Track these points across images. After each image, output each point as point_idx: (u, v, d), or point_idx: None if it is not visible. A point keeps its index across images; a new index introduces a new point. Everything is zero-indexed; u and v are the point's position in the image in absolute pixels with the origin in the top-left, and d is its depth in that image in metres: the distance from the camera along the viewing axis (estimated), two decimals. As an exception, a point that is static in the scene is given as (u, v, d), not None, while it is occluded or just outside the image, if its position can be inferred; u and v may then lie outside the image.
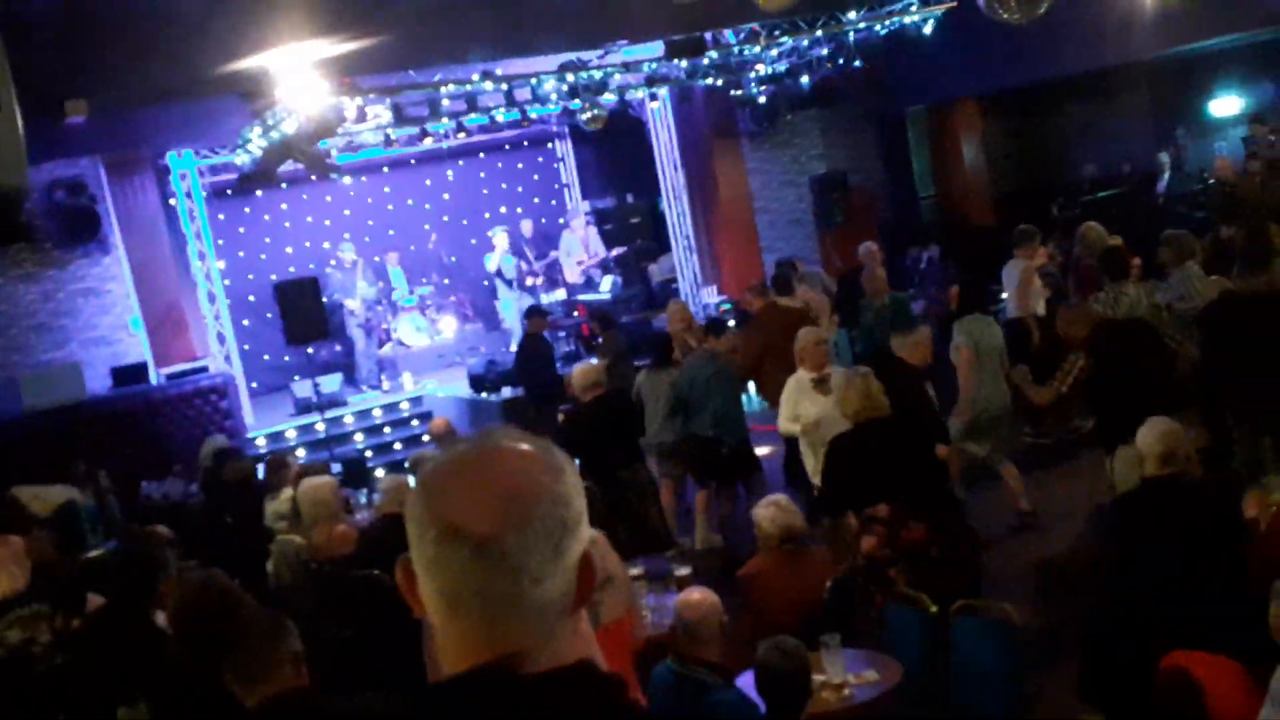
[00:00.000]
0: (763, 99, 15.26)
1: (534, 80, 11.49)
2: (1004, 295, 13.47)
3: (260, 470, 10.07)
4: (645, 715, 1.44)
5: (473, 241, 17.31)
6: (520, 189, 17.90)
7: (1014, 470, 8.52)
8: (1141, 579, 5.22)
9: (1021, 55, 14.78)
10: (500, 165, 17.79)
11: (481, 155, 17.34)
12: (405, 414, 14.43)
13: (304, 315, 12.45)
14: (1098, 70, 15.08)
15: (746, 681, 4.60)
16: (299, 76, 8.68)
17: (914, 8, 12.75)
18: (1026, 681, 5.14)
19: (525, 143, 17.66)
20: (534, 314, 12.23)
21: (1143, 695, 4.42)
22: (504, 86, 11.45)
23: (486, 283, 16.99)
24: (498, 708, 1.37)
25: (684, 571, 6.44)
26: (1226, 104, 17.03)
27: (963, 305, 9.45)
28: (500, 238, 16.02)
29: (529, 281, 16.16)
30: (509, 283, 16.11)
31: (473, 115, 12.34)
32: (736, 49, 12.67)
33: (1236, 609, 4.18)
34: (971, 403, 8.39)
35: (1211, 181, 13.96)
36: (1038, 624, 6.36)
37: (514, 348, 14.90)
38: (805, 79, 14.70)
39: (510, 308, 16.02)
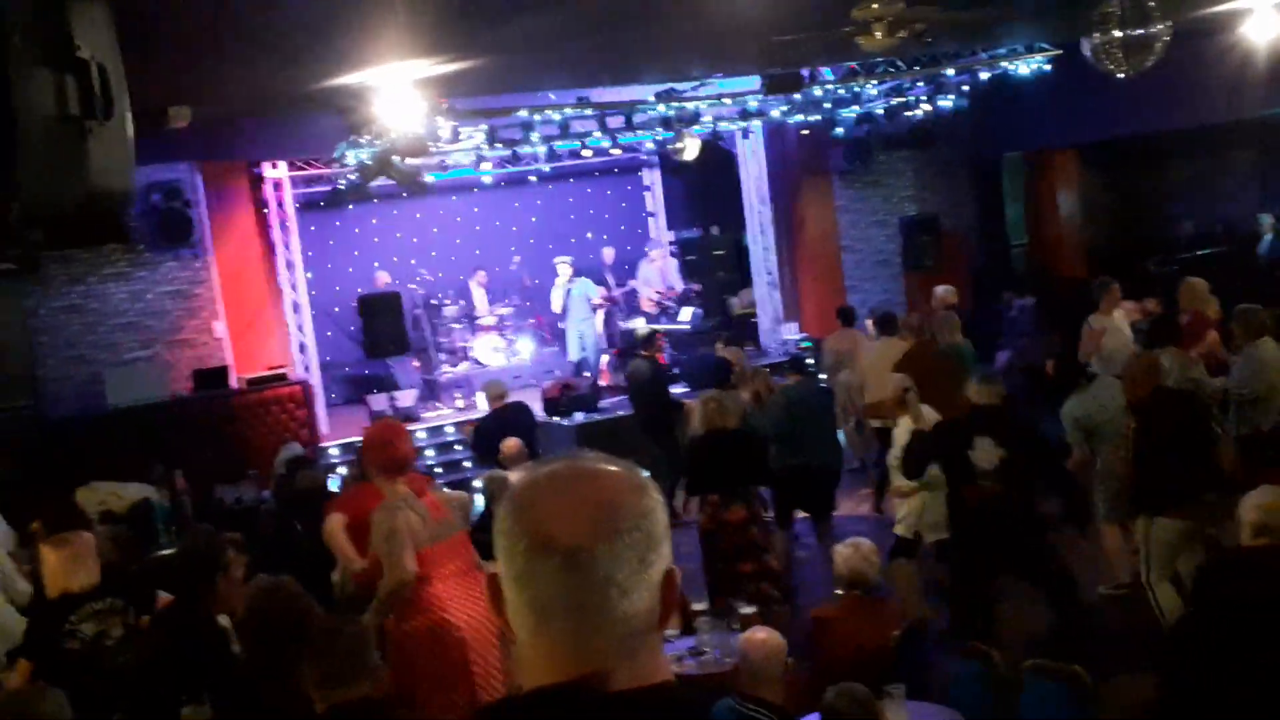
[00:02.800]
0: (856, 137, 15.15)
1: (628, 108, 11.51)
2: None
3: (335, 482, 10.19)
4: None
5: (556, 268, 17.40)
6: (606, 216, 17.96)
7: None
8: (1225, 647, 5.03)
9: (1125, 107, 14.49)
10: (588, 191, 17.86)
11: (570, 180, 17.41)
12: (478, 433, 14.45)
13: (385, 329, 12.57)
14: (1203, 126, 14.75)
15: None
16: (397, 95, 8.76)
17: (1019, 53, 12.56)
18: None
19: (614, 170, 17.71)
20: (651, 339, 12.29)
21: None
22: (596, 112, 11.48)
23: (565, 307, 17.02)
24: None
25: (748, 610, 6.34)
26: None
27: (1060, 380, 8.86)
28: (564, 268, 16.00)
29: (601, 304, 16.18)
30: (591, 307, 16.11)
31: (564, 141, 12.38)
32: (834, 87, 12.57)
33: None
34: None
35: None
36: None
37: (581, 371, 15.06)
38: (903, 118, 14.55)
39: (587, 331, 15.94)
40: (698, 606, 6.47)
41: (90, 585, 5.33)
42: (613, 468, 1.48)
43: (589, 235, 17.57)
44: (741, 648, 4.81)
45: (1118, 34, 7.76)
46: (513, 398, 15.28)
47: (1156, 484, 6.91)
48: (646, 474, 1.50)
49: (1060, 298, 15.85)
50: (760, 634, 4.81)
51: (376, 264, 15.95)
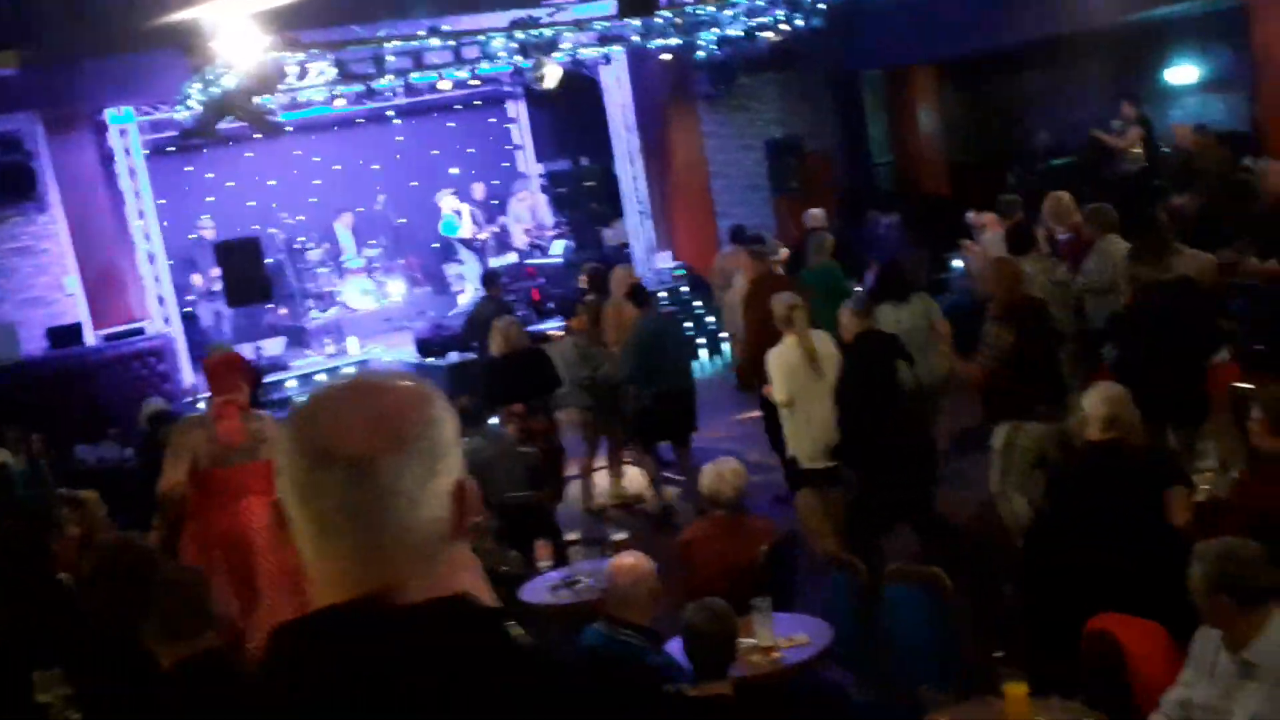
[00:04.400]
0: (719, 60, 15.06)
1: (482, 37, 11.26)
2: (957, 264, 13.46)
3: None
4: (524, 649, 1.40)
5: (423, 204, 17.08)
6: (472, 150, 17.62)
7: None
8: (1074, 541, 5.18)
9: (978, 22, 14.69)
10: (451, 126, 17.49)
11: (433, 115, 17.03)
12: (351, 378, 14.21)
13: (246, 277, 12.21)
14: (1054, 37, 15.00)
15: (679, 647, 4.53)
16: (237, 29, 8.44)
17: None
18: (955, 643, 5.08)
19: (477, 103, 17.37)
20: (493, 279, 12.08)
21: (1069, 658, 4.38)
22: (451, 43, 11.20)
23: (436, 245, 16.78)
24: (368, 640, 1.31)
25: (620, 536, 6.35)
26: (1183, 72, 17.01)
27: (882, 290, 8.85)
28: (447, 200, 15.84)
29: (480, 237, 16.01)
30: (467, 244, 15.90)
31: (419, 74, 12.06)
32: (691, 9, 12.45)
33: (1165, 574, 4.13)
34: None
35: (1167, 150, 13.94)
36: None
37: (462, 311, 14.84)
38: (764, 40, 14.50)
39: (471, 270, 15.77)
40: (570, 537, 6.47)
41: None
42: (400, 381, 1.45)
43: (454, 171, 17.24)
44: (609, 572, 4.82)
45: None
46: (386, 340, 15.16)
47: (1015, 396, 7.03)
48: (431, 383, 1.47)
49: (925, 213, 16.11)
50: (628, 558, 4.81)
51: (203, 215, 15.36)
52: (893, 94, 17.91)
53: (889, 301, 8.37)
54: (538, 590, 6.09)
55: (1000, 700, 3.92)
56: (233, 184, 16.08)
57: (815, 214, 13.39)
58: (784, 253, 11.96)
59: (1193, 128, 13.13)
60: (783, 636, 4.98)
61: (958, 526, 7.14)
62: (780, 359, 7.36)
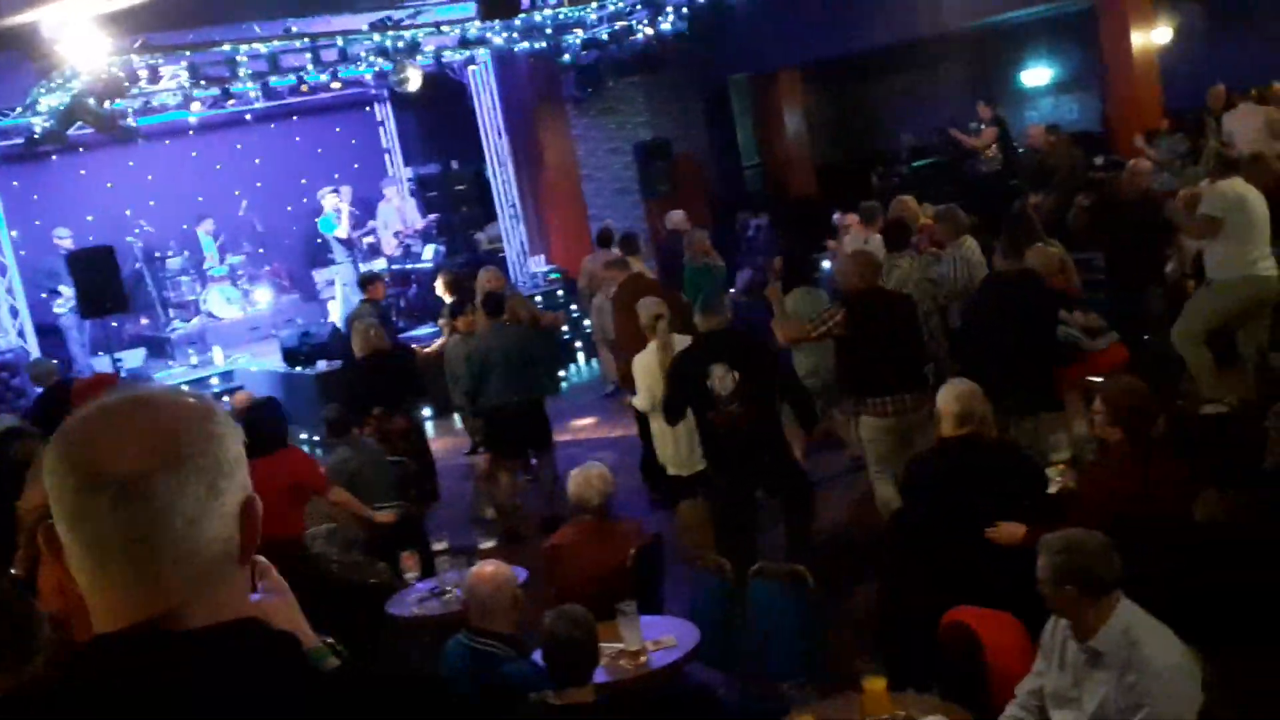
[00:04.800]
0: (587, 64, 15.06)
1: (340, 40, 11.06)
2: (826, 265, 13.67)
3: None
4: (327, 675, 1.36)
5: (288, 208, 16.71)
6: (339, 155, 17.27)
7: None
8: (931, 536, 5.28)
9: (840, 25, 14.98)
10: (317, 129, 17.10)
11: (295, 118, 16.63)
12: (214, 389, 13.83)
13: (101, 287, 11.79)
14: (913, 41, 15.36)
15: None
16: (81, 32, 8.14)
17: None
18: (818, 639, 5.14)
19: (343, 106, 17.03)
20: (372, 280, 11.83)
21: (927, 651, 4.45)
22: (304, 44, 10.98)
23: (318, 240, 16.44)
24: (145, 670, 1.23)
25: (488, 545, 6.29)
26: (1037, 74, 17.59)
27: (789, 278, 9.27)
28: (328, 199, 15.56)
29: (362, 238, 15.76)
30: (344, 243, 15.61)
31: (278, 78, 11.80)
32: (554, 12, 12.41)
33: (1018, 567, 4.22)
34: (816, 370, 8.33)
35: (1023, 150, 14.36)
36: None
37: (335, 319, 14.52)
38: (630, 44, 14.55)
39: (343, 273, 15.47)
40: (437, 547, 6.37)
41: None
42: (174, 396, 1.36)
43: (319, 177, 16.90)
44: (469, 582, 4.76)
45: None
46: (252, 349, 14.79)
47: (863, 381, 7.18)
48: (212, 399, 1.39)
49: (793, 215, 16.35)
50: (488, 567, 4.76)
51: (58, 227, 14.75)
52: (759, 98, 18.14)
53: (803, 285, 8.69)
54: (405, 603, 6.00)
55: (860, 695, 3.97)
56: (88, 193, 15.50)
57: (675, 216, 13.52)
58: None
59: (1045, 128, 13.56)
60: (650, 640, 4.97)
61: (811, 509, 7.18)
62: (643, 365, 7.38)
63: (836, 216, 12.42)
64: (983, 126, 14.18)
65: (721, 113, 17.97)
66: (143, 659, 1.24)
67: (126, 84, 9.58)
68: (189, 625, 1.27)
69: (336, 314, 14.78)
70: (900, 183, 14.77)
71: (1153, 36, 14.61)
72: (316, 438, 10.79)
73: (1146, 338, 8.77)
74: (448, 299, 10.37)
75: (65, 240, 14.25)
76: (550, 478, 8.42)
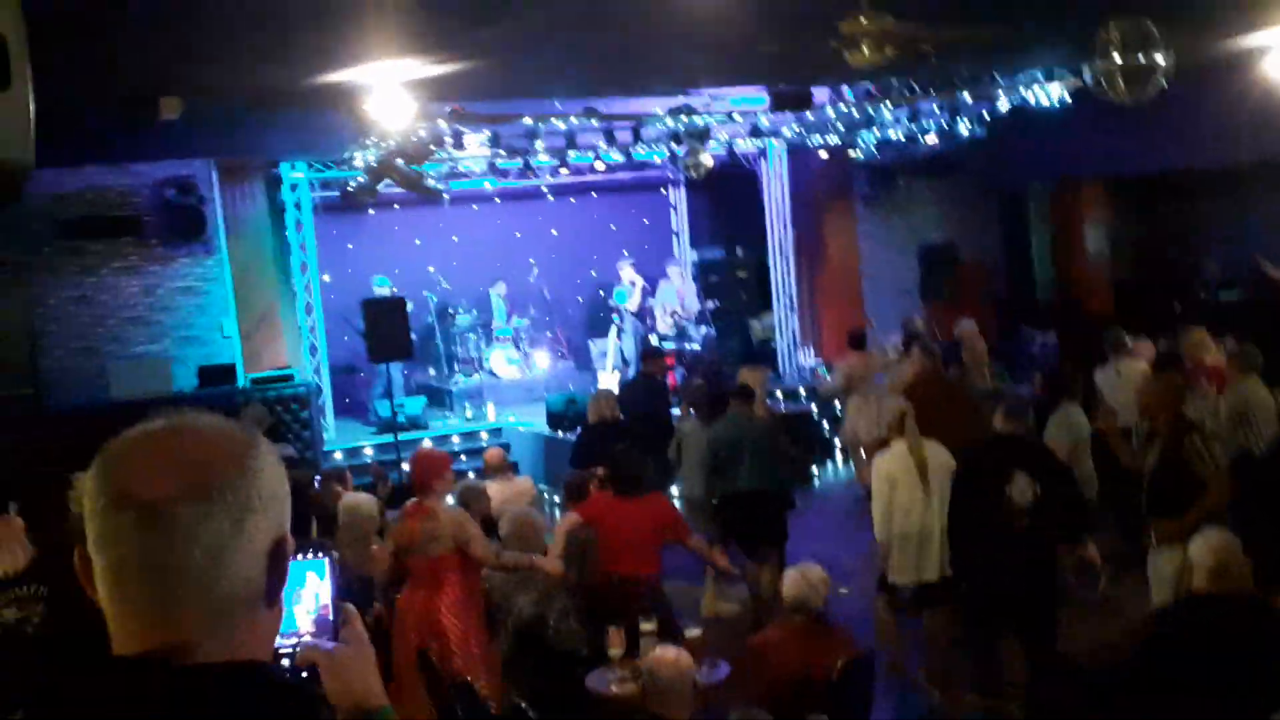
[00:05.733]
0: (879, 163, 14.98)
1: (636, 122, 11.43)
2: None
3: (316, 482, 10.13)
4: None
5: (576, 280, 17.38)
6: (630, 233, 17.83)
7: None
8: (1176, 702, 4.82)
9: (1151, 141, 14.22)
10: (612, 206, 17.76)
11: (591, 195, 17.33)
12: (483, 444, 14.38)
13: (389, 334, 12.50)
14: (1231, 165, 14.44)
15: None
16: (391, 95, 8.73)
17: (1038, 81, 12.35)
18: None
19: (639, 186, 17.60)
20: (653, 354, 12.15)
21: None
22: (603, 124, 11.41)
23: (595, 314, 17.01)
24: (143, 700, 1.23)
25: (694, 633, 6.18)
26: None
27: (1052, 396, 8.90)
28: (626, 270, 16.08)
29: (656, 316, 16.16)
30: (634, 315, 16.03)
31: (576, 153, 12.30)
32: (847, 109, 12.41)
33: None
34: None
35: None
36: None
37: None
38: (925, 145, 14.37)
39: (625, 346, 15.93)
40: (645, 627, 6.32)
41: (14, 570, 5.28)
42: (218, 426, 1.36)
43: (609, 251, 17.47)
44: (649, 666, 4.69)
45: (1118, 60, 7.55)
46: (523, 410, 15.32)
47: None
48: (264, 438, 1.38)
49: (1083, 334, 15.54)
50: (670, 653, 4.68)
51: (378, 274, 15.81)
52: (1059, 208, 17.47)
53: (1064, 403, 8.39)
54: (603, 679, 5.97)
55: None
56: (398, 246, 16.61)
57: (966, 324, 13.09)
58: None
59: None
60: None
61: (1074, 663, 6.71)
62: (883, 467, 7.14)
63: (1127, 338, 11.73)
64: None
65: (1016, 220, 17.39)
66: (144, 688, 1.24)
67: (432, 148, 10.20)
68: (200, 660, 1.26)
69: (605, 383, 15.18)
70: (1204, 313, 13.82)
71: None
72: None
73: None
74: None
75: (384, 289, 15.28)
76: (775, 573, 8.22)
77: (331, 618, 1.82)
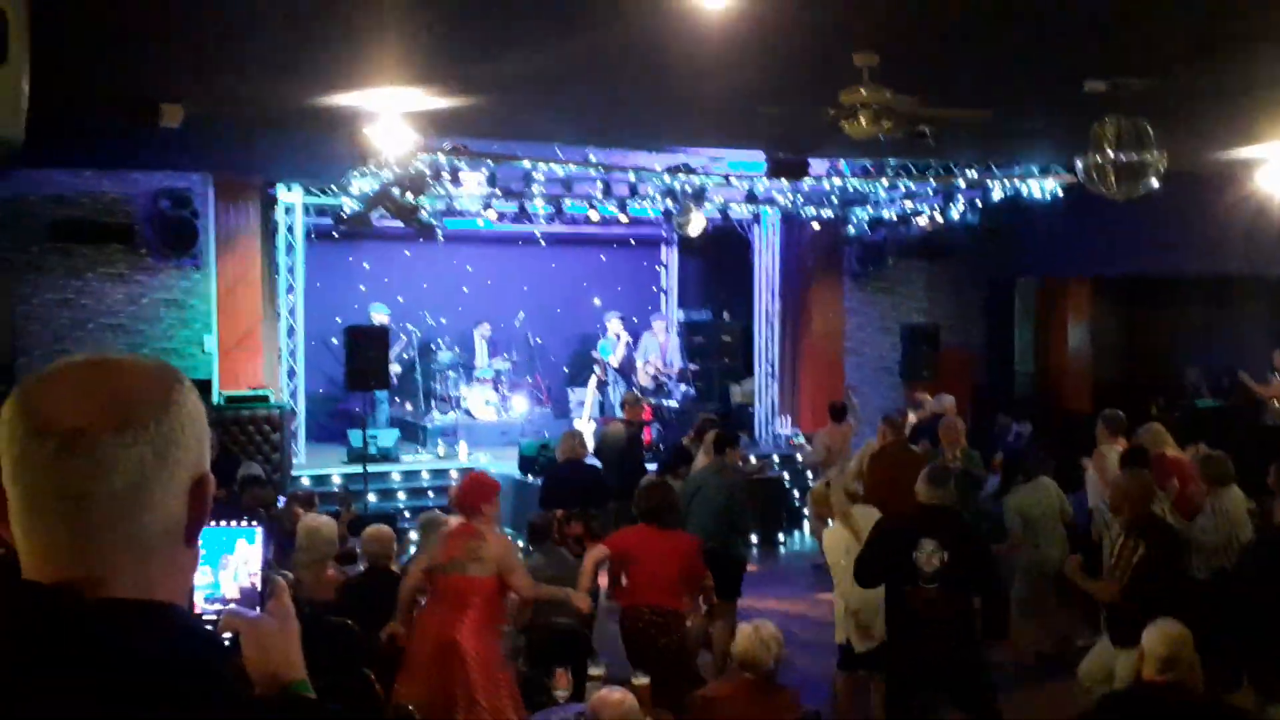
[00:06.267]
0: (871, 240, 15.13)
1: (632, 175, 11.53)
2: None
3: (280, 503, 10.08)
4: (216, 680, 1.27)
5: (560, 328, 17.45)
6: (618, 287, 17.92)
7: None
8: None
9: (1142, 244, 14.40)
10: (603, 259, 17.88)
11: (584, 246, 17.44)
12: (452, 482, 14.31)
13: (368, 363, 12.48)
14: (1219, 275, 14.62)
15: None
16: (391, 124, 8.81)
17: (1032, 174, 12.52)
18: None
19: (631, 242, 17.71)
20: (634, 402, 12.21)
21: None
22: (599, 173, 11.50)
23: (576, 363, 17.01)
24: (46, 630, 1.20)
25: (643, 681, 6.11)
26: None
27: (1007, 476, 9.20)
28: (613, 323, 16.14)
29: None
30: (616, 370, 16.06)
31: (571, 202, 12.38)
32: (843, 182, 12.55)
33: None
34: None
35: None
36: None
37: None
38: (917, 227, 14.53)
39: (604, 397, 16.00)
40: (593, 671, 6.27)
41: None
42: (142, 361, 1.36)
43: (596, 302, 17.54)
44: (593, 706, 4.63)
45: (1110, 154, 7.67)
46: (496, 451, 15.28)
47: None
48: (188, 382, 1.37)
49: (1059, 428, 15.60)
50: (615, 694, 4.63)
51: (375, 302, 15.90)
52: (1044, 302, 17.63)
53: (1018, 485, 8.83)
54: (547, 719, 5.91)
55: None
56: (382, 279, 16.65)
57: (946, 400, 13.13)
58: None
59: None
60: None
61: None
62: (830, 539, 7.24)
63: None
64: (1277, 376, 13.26)
65: (1002, 311, 17.53)
66: (52, 617, 1.21)
67: (428, 180, 10.26)
68: (113, 594, 1.24)
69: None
70: (1180, 418, 13.90)
71: None
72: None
73: None
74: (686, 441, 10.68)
75: (381, 316, 15.32)
76: (725, 629, 8.19)
77: (260, 588, 1.81)
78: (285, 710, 1.38)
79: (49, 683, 1.18)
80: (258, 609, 1.67)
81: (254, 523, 1.85)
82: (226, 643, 1.51)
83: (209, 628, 1.48)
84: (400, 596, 6.51)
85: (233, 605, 1.70)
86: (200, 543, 1.37)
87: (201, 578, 1.73)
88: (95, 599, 1.24)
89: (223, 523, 1.79)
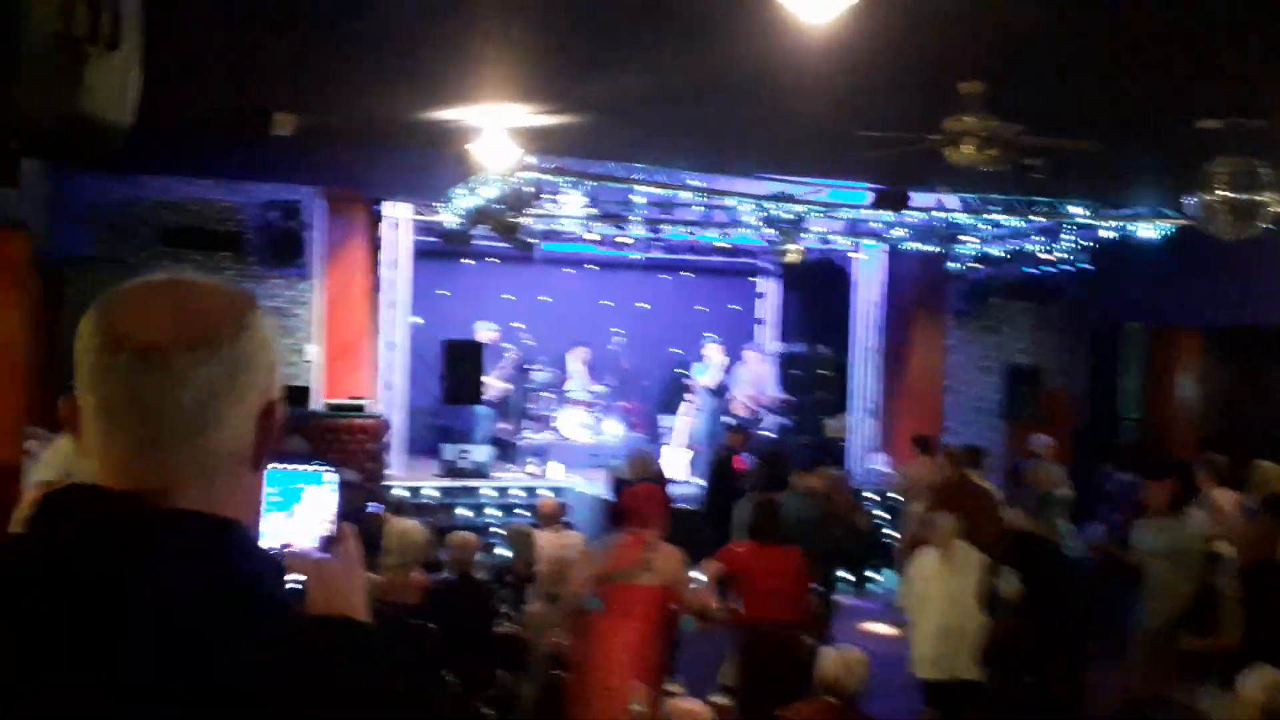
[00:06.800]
0: (975, 278, 14.92)
1: (732, 202, 11.51)
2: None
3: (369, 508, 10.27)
4: (274, 602, 1.27)
5: (656, 354, 17.51)
6: (715, 316, 17.91)
7: None
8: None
9: (1255, 293, 13.97)
10: (700, 288, 17.91)
11: (684, 274, 17.51)
12: (542, 497, 14.37)
13: (463, 378, 12.64)
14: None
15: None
16: (495, 141, 8.94)
17: (1142, 219, 12.25)
18: None
19: (729, 271, 17.72)
20: (735, 429, 12.22)
21: None
22: (699, 198, 11.53)
23: (669, 390, 17.14)
24: (109, 533, 1.22)
25: (721, 700, 6.09)
26: None
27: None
28: (711, 348, 16.14)
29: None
30: (708, 392, 16.02)
31: (672, 228, 12.42)
32: (946, 215, 12.39)
33: None
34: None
35: None
36: None
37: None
38: (1022, 269, 14.31)
39: (696, 425, 15.96)
40: (671, 687, 6.24)
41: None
42: (218, 283, 1.39)
43: (693, 331, 17.55)
44: (667, 716, 4.60)
45: (1223, 194, 7.48)
46: (586, 473, 15.33)
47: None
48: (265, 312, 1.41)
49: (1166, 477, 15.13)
50: (687, 704, 4.60)
51: (480, 319, 16.11)
52: (1153, 350, 17.17)
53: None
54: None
55: None
56: (484, 298, 16.87)
57: (1042, 440, 12.89)
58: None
59: None
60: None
61: None
62: (916, 565, 7.19)
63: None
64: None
65: (1108, 357, 17.13)
66: (119, 521, 1.23)
67: (529, 198, 10.38)
68: (180, 506, 1.27)
69: (674, 458, 15.26)
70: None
71: None
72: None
73: None
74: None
75: (489, 333, 15.53)
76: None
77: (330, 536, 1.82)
78: (341, 630, 1.38)
79: (107, 582, 1.19)
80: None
81: (333, 471, 1.86)
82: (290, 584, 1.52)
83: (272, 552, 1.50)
84: (567, 607, 6.80)
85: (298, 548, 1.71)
86: (266, 471, 1.39)
87: (274, 525, 1.75)
88: (162, 508, 1.27)
89: (298, 467, 1.80)
